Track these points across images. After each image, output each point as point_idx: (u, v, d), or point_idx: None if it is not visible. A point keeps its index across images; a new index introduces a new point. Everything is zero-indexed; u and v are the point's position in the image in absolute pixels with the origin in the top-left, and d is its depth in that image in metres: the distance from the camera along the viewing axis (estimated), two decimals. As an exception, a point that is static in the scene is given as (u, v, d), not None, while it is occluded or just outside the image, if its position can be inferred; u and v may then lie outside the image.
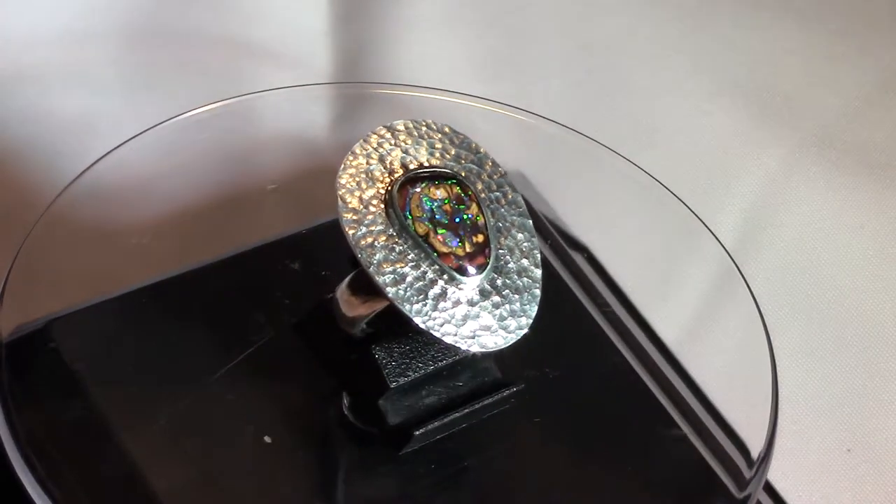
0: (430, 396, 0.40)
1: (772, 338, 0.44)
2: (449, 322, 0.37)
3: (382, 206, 0.37)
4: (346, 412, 0.43)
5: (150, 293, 0.45)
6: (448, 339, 0.37)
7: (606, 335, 0.48)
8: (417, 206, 0.37)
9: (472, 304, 0.38)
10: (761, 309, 0.44)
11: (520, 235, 0.39)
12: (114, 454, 0.41)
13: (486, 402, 0.41)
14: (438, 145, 0.39)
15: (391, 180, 0.37)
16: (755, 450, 0.42)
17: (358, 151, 0.38)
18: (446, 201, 0.37)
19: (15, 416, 0.40)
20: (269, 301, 0.45)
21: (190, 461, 0.41)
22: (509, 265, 0.38)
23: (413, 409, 0.40)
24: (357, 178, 0.37)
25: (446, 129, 0.39)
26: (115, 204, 0.49)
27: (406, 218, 0.37)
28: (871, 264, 0.56)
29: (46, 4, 0.60)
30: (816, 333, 0.55)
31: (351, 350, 0.40)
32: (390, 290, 0.37)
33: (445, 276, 0.37)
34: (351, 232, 0.37)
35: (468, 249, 0.37)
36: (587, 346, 0.47)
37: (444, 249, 0.37)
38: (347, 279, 0.38)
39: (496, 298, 0.38)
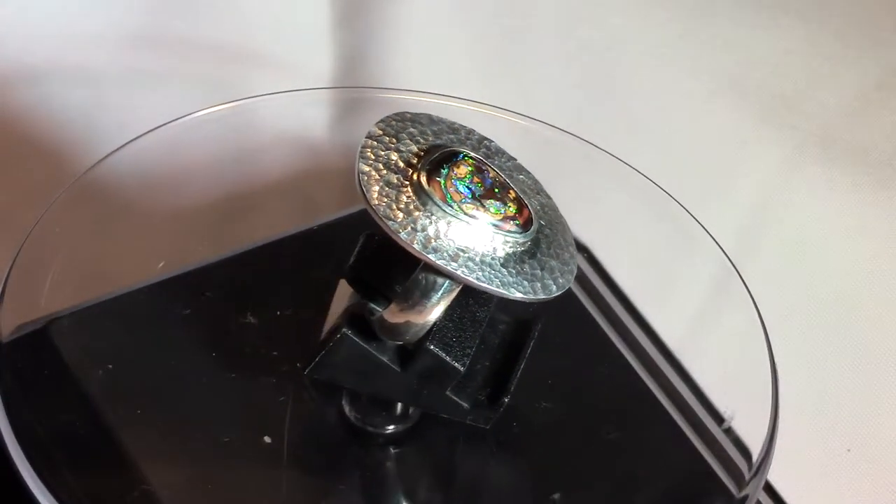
0: (477, 365, 0.41)
1: (771, 338, 0.44)
2: (535, 281, 0.38)
3: (422, 206, 0.37)
4: (346, 412, 0.43)
5: (150, 293, 0.45)
6: (541, 296, 0.38)
7: (606, 335, 0.48)
8: (455, 191, 0.37)
9: (534, 255, 0.38)
10: (761, 309, 0.44)
11: (521, 177, 0.40)
12: (114, 454, 0.41)
13: (530, 344, 0.42)
14: (415, 131, 0.39)
15: (411, 179, 0.38)
16: (755, 450, 0.42)
17: (367, 169, 0.38)
18: (471, 174, 0.38)
19: (15, 416, 0.40)
20: (269, 300, 0.46)
21: (190, 461, 0.41)
22: (534, 206, 0.39)
23: (476, 384, 0.41)
24: (384, 193, 0.37)
25: (408, 115, 0.39)
26: (115, 204, 0.49)
27: (451, 205, 0.37)
28: (870, 264, 0.56)
29: (48, 6, 0.60)
30: (816, 334, 0.55)
31: (398, 360, 0.40)
32: (475, 276, 0.37)
33: (508, 242, 0.38)
34: (417, 245, 0.37)
35: (513, 208, 0.38)
36: (587, 347, 0.47)
37: (497, 218, 0.37)
38: (399, 296, 0.38)
39: (546, 240, 0.39)
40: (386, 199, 0.37)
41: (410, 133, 0.39)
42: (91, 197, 0.47)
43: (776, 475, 0.48)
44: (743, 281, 0.45)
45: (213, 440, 0.42)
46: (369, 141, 0.38)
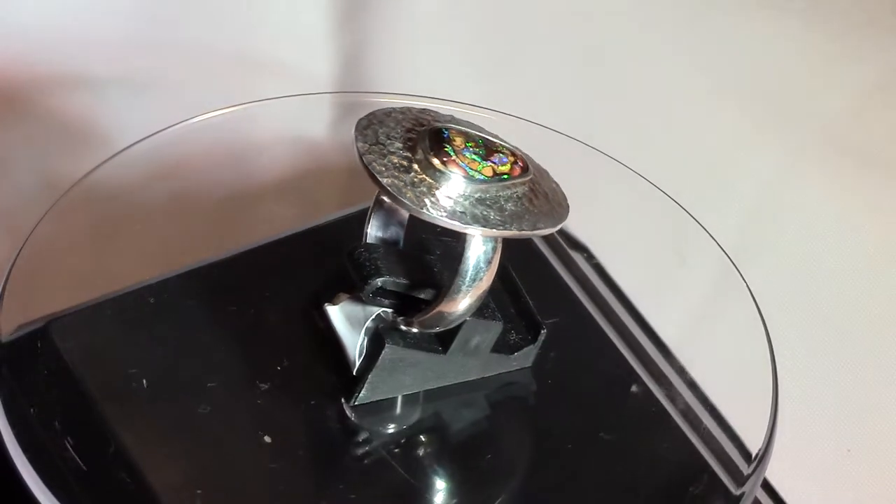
0: (500, 312, 0.42)
1: (772, 338, 0.44)
2: (554, 208, 0.40)
3: (454, 189, 0.38)
4: (346, 412, 0.43)
5: (150, 293, 0.45)
6: (563, 222, 0.40)
7: (606, 335, 0.48)
8: (470, 161, 0.38)
9: (538, 192, 0.40)
10: (761, 308, 0.44)
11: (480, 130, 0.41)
12: (114, 454, 0.41)
13: (513, 274, 0.44)
14: (385, 129, 0.40)
15: (426, 170, 0.38)
16: (755, 449, 0.42)
17: (390, 181, 0.38)
18: (465, 141, 0.39)
19: (15, 416, 0.40)
20: (269, 300, 0.45)
21: (190, 461, 0.41)
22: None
23: (507, 330, 0.43)
24: (419, 194, 0.38)
25: (364, 122, 0.40)
26: (116, 205, 0.49)
27: (475, 176, 0.38)
28: (870, 264, 0.56)
29: (48, 10, 0.60)
30: (816, 333, 0.55)
31: (438, 346, 0.42)
32: (526, 228, 0.38)
33: (521, 186, 0.39)
34: (478, 226, 0.38)
35: (511, 155, 0.39)
36: (587, 346, 0.47)
37: (508, 169, 0.39)
38: (455, 284, 0.39)
39: (537, 170, 0.40)
40: (428, 200, 0.38)
41: (384, 133, 0.39)
42: (92, 198, 0.47)
43: (776, 475, 0.48)
44: (744, 280, 0.45)
45: (213, 440, 0.42)
46: (367, 156, 0.38)
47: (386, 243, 0.42)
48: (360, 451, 0.42)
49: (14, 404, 0.40)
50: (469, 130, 0.39)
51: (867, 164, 0.58)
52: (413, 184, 0.38)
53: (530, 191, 0.39)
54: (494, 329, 0.42)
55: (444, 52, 0.63)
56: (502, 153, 0.39)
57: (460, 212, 0.38)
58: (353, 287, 0.41)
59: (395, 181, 0.38)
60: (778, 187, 0.58)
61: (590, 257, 0.51)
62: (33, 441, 0.39)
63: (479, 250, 0.38)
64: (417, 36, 0.63)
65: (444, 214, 0.37)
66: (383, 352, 0.41)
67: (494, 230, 0.38)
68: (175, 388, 0.43)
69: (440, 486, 0.42)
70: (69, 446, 0.41)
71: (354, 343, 0.41)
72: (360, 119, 0.40)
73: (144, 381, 0.43)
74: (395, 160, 0.38)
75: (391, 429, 0.42)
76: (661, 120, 0.60)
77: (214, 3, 0.62)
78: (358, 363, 0.41)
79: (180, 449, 0.42)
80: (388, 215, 0.42)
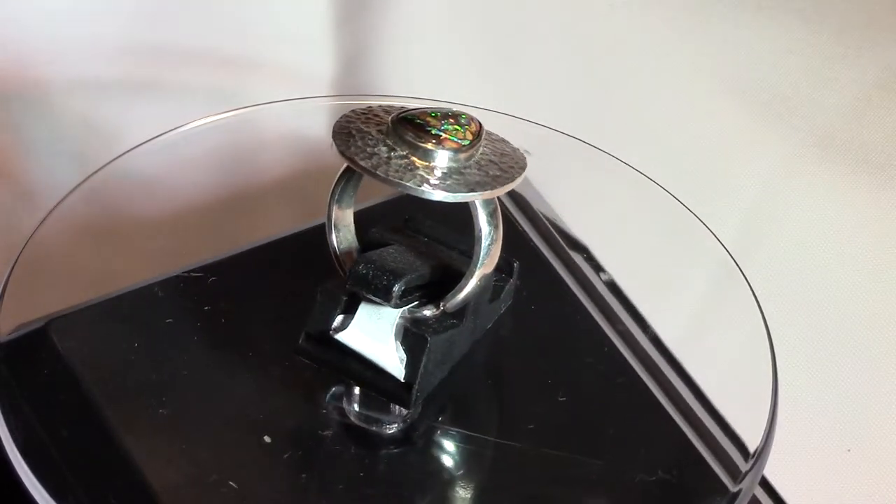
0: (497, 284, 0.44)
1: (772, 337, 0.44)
2: (513, 151, 0.41)
3: (456, 163, 0.39)
4: (346, 411, 0.43)
5: (151, 293, 0.45)
6: (525, 168, 0.40)
7: (606, 335, 0.48)
8: (455, 131, 0.39)
9: (492, 140, 0.41)
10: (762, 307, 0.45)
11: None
12: (114, 454, 0.41)
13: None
14: (359, 133, 0.40)
15: (422, 157, 0.39)
16: (753, 447, 0.42)
17: (411, 182, 0.38)
18: (438, 117, 0.39)
19: (15, 416, 0.40)
20: (269, 300, 0.46)
21: (190, 461, 0.41)
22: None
23: (496, 284, 0.45)
24: (440, 179, 0.38)
25: (337, 140, 0.40)
26: (116, 207, 0.49)
27: (465, 144, 0.39)
28: (870, 264, 0.56)
29: (48, 14, 0.60)
30: (816, 333, 0.55)
31: (457, 320, 0.42)
32: (515, 171, 0.39)
33: (484, 142, 0.40)
34: (499, 191, 0.39)
35: (465, 115, 0.40)
36: (587, 346, 0.47)
37: (475, 129, 0.40)
38: (479, 256, 0.40)
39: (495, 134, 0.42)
40: (449, 184, 0.38)
41: (362, 141, 0.39)
42: (93, 200, 0.47)
43: (776, 475, 0.48)
44: (745, 278, 0.45)
45: (213, 440, 0.42)
46: (381, 169, 0.38)
47: (356, 249, 0.42)
48: (361, 451, 0.42)
49: (14, 404, 0.40)
50: (423, 109, 0.40)
51: (867, 164, 0.58)
52: (430, 174, 0.38)
53: (491, 142, 0.40)
54: (487, 280, 0.43)
55: (443, 53, 0.63)
56: (460, 116, 0.40)
57: (477, 182, 0.38)
58: (354, 303, 0.41)
59: (418, 180, 0.38)
60: (778, 187, 0.58)
61: (590, 257, 0.51)
62: (32, 441, 0.40)
63: (487, 213, 0.39)
64: (417, 37, 0.63)
65: (468, 190, 0.38)
66: (427, 347, 0.41)
67: (507, 185, 0.39)
68: (174, 387, 0.43)
69: (439, 486, 0.42)
70: (68, 446, 0.41)
71: (390, 352, 0.41)
72: (336, 140, 0.40)
73: (144, 382, 0.43)
74: (397, 161, 0.38)
75: (391, 430, 0.43)
76: (661, 119, 0.60)
77: (215, 5, 0.62)
78: (403, 369, 0.41)
79: (180, 449, 0.42)
80: (343, 221, 0.42)
